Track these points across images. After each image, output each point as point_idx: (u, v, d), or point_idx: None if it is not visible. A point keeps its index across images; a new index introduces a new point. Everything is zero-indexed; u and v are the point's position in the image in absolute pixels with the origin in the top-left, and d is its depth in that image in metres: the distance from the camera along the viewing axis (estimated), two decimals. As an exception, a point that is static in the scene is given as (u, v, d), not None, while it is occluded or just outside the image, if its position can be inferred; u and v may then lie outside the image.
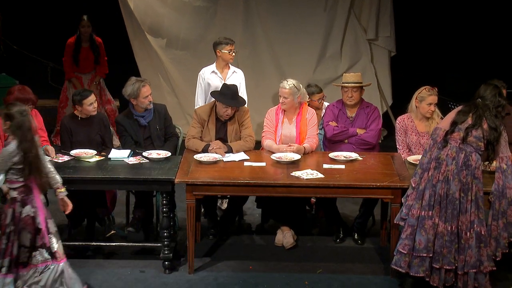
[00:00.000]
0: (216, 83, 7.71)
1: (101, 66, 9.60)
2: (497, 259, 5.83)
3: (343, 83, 7.11)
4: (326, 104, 7.50)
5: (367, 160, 6.66)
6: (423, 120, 6.81)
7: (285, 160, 6.56)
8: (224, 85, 7.08)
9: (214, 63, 7.86)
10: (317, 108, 7.34)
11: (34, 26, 12.96)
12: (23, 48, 12.11)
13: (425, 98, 6.74)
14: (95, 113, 6.90)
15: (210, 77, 7.78)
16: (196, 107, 7.50)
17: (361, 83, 7.07)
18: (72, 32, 9.53)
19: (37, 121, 6.83)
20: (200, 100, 7.83)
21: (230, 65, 7.88)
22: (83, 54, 9.54)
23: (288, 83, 6.88)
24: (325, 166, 6.45)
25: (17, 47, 12.12)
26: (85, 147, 6.77)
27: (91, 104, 6.82)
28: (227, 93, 6.88)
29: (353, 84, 7.02)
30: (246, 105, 7.23)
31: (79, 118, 6.88)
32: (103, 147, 6.94)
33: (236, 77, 7.82)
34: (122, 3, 9.81)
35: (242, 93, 7.74)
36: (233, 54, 7.80)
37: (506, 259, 6.43)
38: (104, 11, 11.39)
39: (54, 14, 12.88)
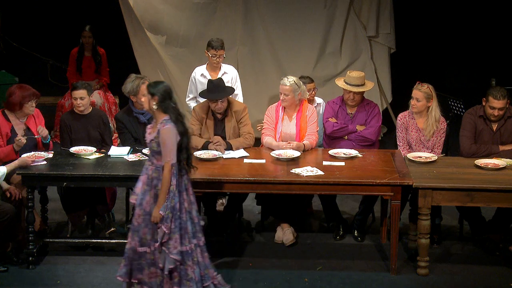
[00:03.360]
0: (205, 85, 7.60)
1: (103, 76, 9.67)
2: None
3: (345, 81, 7.08)
4: (318, 99, 7.45)
5: (367, 157, 6.65)
6: (424, 117, 6.80)
7: (284, 157, 6.55)
8: (209, 81, 7.07)
9: (206, 64, 7.72)
10: (309, 100, 7.25)
11: (34, 23, 12.94)
12: (23, 45, 12.09)
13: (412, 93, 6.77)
14: (81, 108, 6.85)
15: (200, 79, 7.68)
16: (188, 106, 7.52)
17: (363, 85, 7.04)
18: (72, 31, 9.52)
19: (38, 121, 6.80)
20: (188, 99, 7.77)
21: (222, 63, 7.69)
22: (86, 63, 9.64)
23: (289, 80, 6.87)
24: (325, 163, 6.44)
25: (17, 44, 12.10)
26: (84, 144, 6.77)
27: (76, 99, 6.81)
28: (212, 88, 6.88)
29: (356, 89, 6.98)
30: (242, 100, 7.21)
31: (77, 114, 6.88)
32: (102, 144, 6.94)
33: (226, 77, 7.60)
34: (122, 0, 9.79)
35: (237, 88, 7.65)
36: (218, 59, 7.56)
37: (506, 259, 6.44)
38: (104, 9, 11.38)
39: (54, 11, 12.86)
